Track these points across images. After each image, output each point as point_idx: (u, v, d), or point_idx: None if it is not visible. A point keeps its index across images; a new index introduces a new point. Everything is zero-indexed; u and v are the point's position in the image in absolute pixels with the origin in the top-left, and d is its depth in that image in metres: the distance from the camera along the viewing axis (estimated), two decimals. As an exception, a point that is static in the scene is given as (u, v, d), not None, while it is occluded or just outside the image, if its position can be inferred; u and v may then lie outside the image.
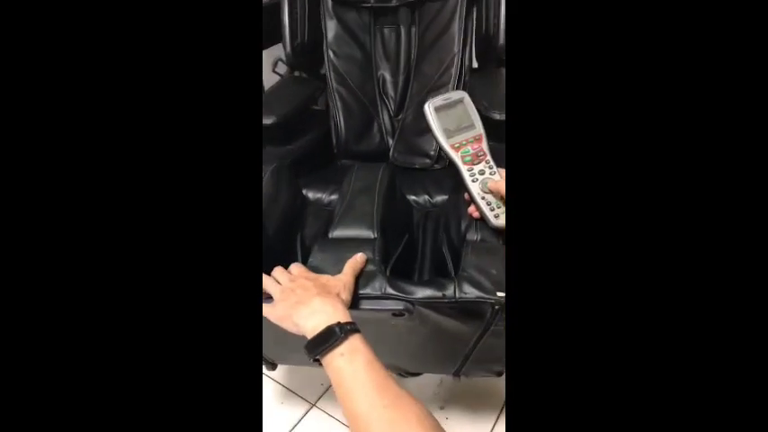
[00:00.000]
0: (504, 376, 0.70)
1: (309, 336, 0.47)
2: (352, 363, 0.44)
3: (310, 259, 0.61)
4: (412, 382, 0.95)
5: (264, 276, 0.55)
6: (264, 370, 1.01)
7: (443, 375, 0.96)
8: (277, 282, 0.54)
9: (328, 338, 0.45)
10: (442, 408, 0.94)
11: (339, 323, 0.46)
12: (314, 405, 0.97)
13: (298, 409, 0.97)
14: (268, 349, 0.73)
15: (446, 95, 0.67)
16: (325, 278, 0.54)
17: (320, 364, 0.47)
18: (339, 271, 0.57)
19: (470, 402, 0.95)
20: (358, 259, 0.58)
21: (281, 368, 1.04)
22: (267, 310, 0.53)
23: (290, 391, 1.00)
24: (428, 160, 1.14)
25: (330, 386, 0.99)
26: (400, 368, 0.76)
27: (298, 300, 0.50)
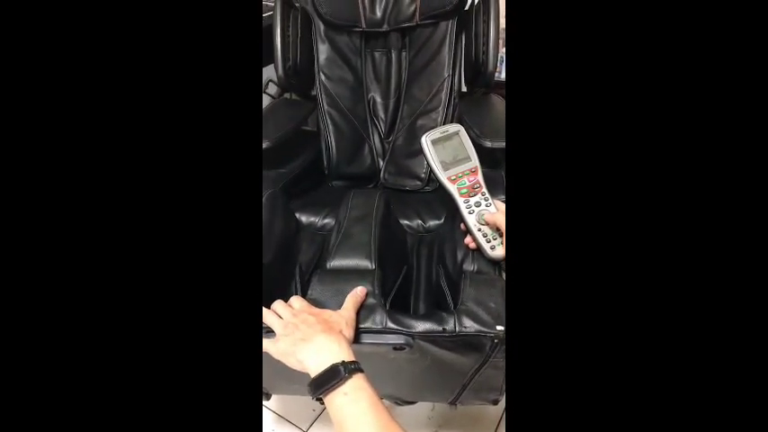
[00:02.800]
0: (498, 404, 0.70)
1: (313, 374, 0.47)
2: (356, 403, 0.44)
3: (309, 291, 0.61)
4: (405, 408, 0.95)
5: (265, 310, 0.55)
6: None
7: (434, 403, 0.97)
8: (278, 316, 0.54)
9: (332, 378, 0.46)
10: (435, 432, 0.94)
11: (343, 362, 0.46)
12: None
13: (290, 435, 0.96)
14: (265, 380, 0.73)
15: (443, 128, 0.69)
16: (327, 313, 0.54)
17: (322, 402, 0.47)
18: (339, 303, 0.57)
19: (464, 427, 0.95)
20: (359, 293, 0.58)
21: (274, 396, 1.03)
22: (269, 345, 0.52)
23: (282, 417, 0.99)
24: (419, 182, 1.15)
25: (322, 412, 0.99)
26: (397, 397, 0.76)
27: (302, 336, 0.50)
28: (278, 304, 0.56)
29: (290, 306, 0.55)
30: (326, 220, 0.95)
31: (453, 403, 0.71)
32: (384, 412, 0.44)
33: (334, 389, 0.45)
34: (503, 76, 1.55)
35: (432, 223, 0.93)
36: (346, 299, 0.57)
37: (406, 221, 0.94)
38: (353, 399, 0.44)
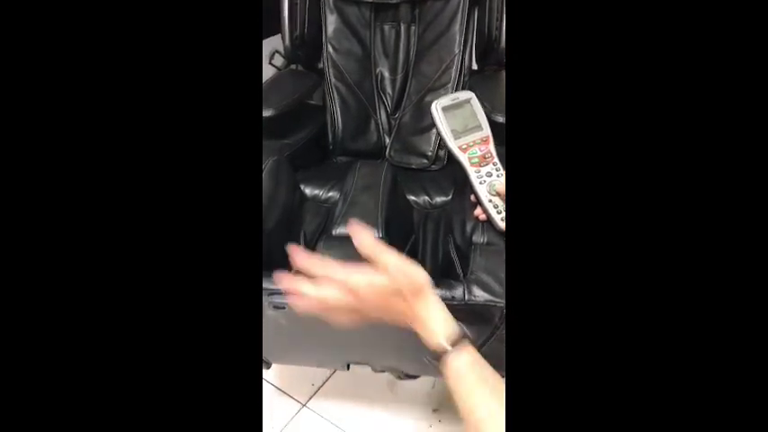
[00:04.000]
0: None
1: (438, 336, 0.43)
2: (485, 365, 0.43)
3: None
4: (406, 383, 0.95)
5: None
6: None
7: (438, 378, 0.96)
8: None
9: (463, 338, 0.43)
10: (435, 410, 0.93)
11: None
12: (304, 405, 0.95)
13: (288, 408, 0.95)
14: (264, 347, 0.72)
15: (454, 95, 0.67)
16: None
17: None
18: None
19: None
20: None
21: (272, 368, 1.02)
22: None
23: (281, 391, 0.98)
24: (425, 160, 1.13)
25: (321, 386, 0.98)
26: (399, 370, 0.75)
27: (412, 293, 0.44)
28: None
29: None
30: (331, 193, 0.93)
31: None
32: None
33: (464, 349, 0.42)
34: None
35: (439, 199, 0.91)
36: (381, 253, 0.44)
37: (412, 197, 0.92)
38: (479, 360, 0.42)
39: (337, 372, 1.01)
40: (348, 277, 0.42)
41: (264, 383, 1.00)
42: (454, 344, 0.42)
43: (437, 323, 0.43)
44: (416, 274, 0.44)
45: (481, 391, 0.41)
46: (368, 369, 1.00)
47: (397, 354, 0.70)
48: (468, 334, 0.44)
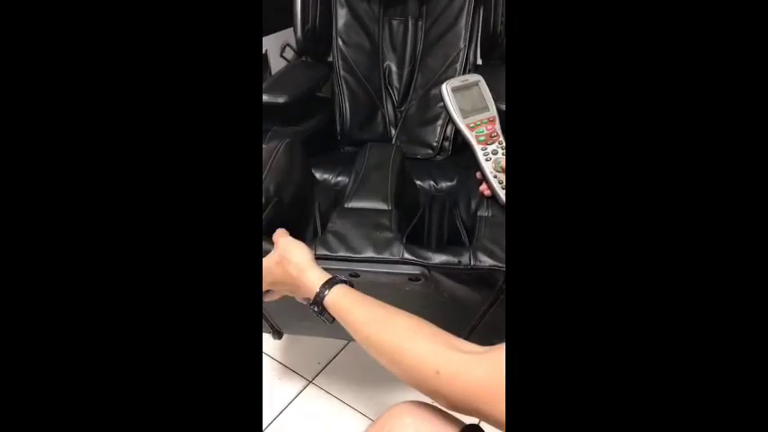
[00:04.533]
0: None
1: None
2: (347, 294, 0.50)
3: (330, 225, 0.63)
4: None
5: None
6: (266, 344, 1.03)
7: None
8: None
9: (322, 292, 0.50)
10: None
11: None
12: (311, 382, 0.98)
13: (295, 385, 0.98)
14: (277, 318, 0.75)
15: (463, 77, 0.70)
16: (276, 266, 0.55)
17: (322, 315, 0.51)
18: (359, 235, 0.59)
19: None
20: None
21: (278, 346, 1.05)
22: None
23: (288, 368, 1.01)
24: (430, 151, 1.17)
25: (327, 365, 1.01)
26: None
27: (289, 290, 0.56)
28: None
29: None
30: (340, 178, 0.97)
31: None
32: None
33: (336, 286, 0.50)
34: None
35: (444, 184, 0.95)
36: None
37: (418, 182, 0.96)
38: (352, 291, 0.50)
39: (342, 351, 1.04)
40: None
41: (272, 361, 1.03)
42: (325, 285, 0.50)
43: (312, 280, 0.51)
44: (294, 246, 0.55)
45: (359, 309, 0.48)
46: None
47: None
48: (343, 278, 0.52)
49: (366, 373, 0.99)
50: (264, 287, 0.58)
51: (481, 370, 0.38)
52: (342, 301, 0.49)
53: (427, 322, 0.46)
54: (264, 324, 0.75)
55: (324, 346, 1.04)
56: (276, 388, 0.97)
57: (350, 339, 0.80)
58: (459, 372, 0.40)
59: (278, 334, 0.78)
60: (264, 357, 1.03)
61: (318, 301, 0.50)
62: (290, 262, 0.53)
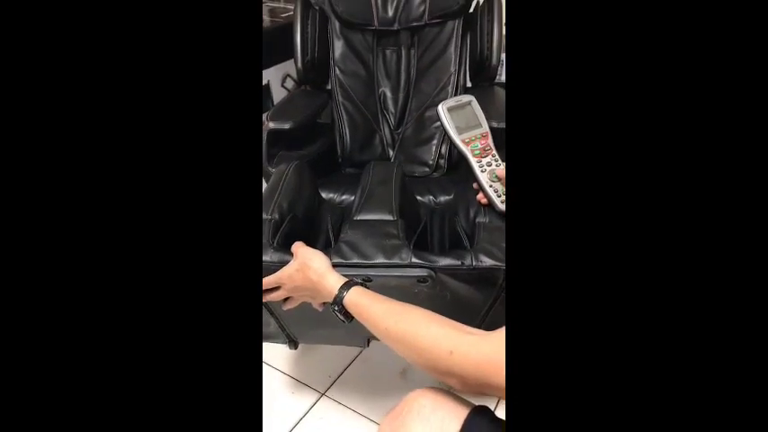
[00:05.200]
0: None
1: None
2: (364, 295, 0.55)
3: (342, 235, 0.68)
4: (416, 371, 1.01)
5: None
6: (277, 358, 1.06)
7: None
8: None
9: (341, 292, 0.57)
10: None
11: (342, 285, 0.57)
12: (323, 394, 1.01)
13: (308, 398, 1.01)
14: (293, 327, 0.79)
15: (457, 98, 0.77)
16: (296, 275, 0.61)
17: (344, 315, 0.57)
18: (370, 244, 0.65)
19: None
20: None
21: (289, 360, 1.09)
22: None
23: (300, 381, 1.04)
24: (427, 169, 1.24)
25: (338, 377, 1.05)
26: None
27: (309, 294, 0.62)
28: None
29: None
30: (345, 196, 1.03)
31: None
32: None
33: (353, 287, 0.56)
34: (503, 78, 1.65)
35: (442, 198, 1.01)
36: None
37: (418, 197, 1.02)
38: (368, 291, 0.56)
39: (352, 363, 1.07)
40: (278, 275, 0.62)
41: (283, 375, 1.06)
42: (343, 287, 0.56)
43: (332, 283, 0.57)
44: (313, 254, 0.60)
45: (376, 306, 0.53)
46: (380, 359, 1.07)
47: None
48: (358, 281, 0.58)
49: (377, 382, 1.03)
50: (285, 294, 0.63)
51: (489, 346, 0.43)
52: (360, 299, 0.54)
53: (436, 314, 0.51)
54: (281, 334, 0.80)
55: (334, 358, 1.08)
56: (289, 402, 1.00)
57: (362, 347, 0.85)
58: (470, 350, 0.45)
59: (293, 344, 0.82)
60: (276, 372, 1.06)
61: (338, 301, 0.55)
62: (309, 268, 0.58)
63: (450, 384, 0.48)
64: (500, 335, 0.43)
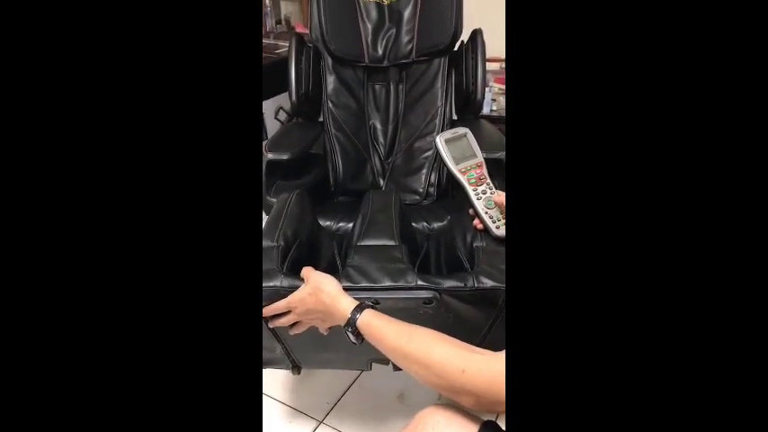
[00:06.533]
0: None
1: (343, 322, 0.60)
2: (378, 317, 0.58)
3: (348, 260, 0.71)
4: (413, 395, 1.03)
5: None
6: (275, 388, 1.06)
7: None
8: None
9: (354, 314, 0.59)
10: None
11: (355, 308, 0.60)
12: (321, 422, 1.02)
13: (306, 427, 1.01)
14: (297, 352, 0.80)
15: (453, 130, 0.83)
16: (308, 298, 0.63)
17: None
18: (375, 267, 0.68)
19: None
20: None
21: (286, 389, 1.09)
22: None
23: (297, 410, 1.04)
24: (417, 197, 1.29)
25: (335, 404, 1.05)
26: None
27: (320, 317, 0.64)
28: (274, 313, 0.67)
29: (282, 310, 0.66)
30: (341, 224, 1.06)
31: (467, 369, 0.80)
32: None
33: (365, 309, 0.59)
34: (486, 110, 1.75)
35: (436, 225, 1.05)
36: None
37: (413, 224, 1.06)
38: (380, 314, 0.58)
39: (350, 389, 1.08)
40: (289, 299, 0.64)
41: (281, 405, 1.06)
42: (356, 309, 0.58)
43: (345, 306, 0.60)
44: (325, 278, 0.63)
45: (388, 327, 0.56)
46: (378, 384, 1.08)
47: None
48: (369, 304, 0.61)
49: (375, 407, 1.04)
50: (294, 319, 0.65)
51: (500, 364, 0.47)
52: (372, 321, 0.57)
53: (445, 335, 0.54)
54: (286, 360, 0.81)
55: (332, 385, 1.09)
56: (288, 431, 1.00)
57: (365, 369, 0.86)
58: (482, 368, 0.48)
59: (297, 369, 0.83)
60: (274, 402, 1.06)
61: (352, 323, 0.57)
62: (323, 291, 0.61)
63: (462, 403, 0.50)
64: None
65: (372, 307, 0.59)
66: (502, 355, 0.47)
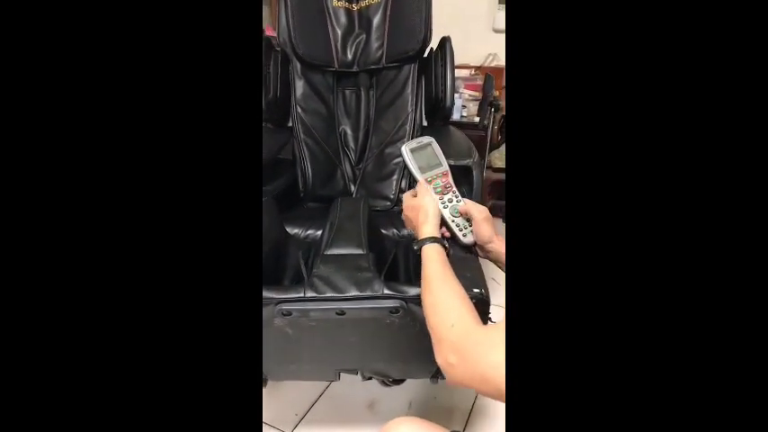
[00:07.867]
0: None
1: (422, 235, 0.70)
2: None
3: (314, 270, 0.70)
4: (383, 404, 1.02)
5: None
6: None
7: (413, 399, 1.05)
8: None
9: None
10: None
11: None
12: (290, 434, 1.00)
13: (274, 439, 0.99)
14: (265, 364, 0.79)
15: (418, 140, 0.83)
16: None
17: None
18: (342, 277, 0.67)
19: (438, 418, 1.03)
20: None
21: (254, 401, 1.06)
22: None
23: (266, 423, 1.02)
24: (388, 203, 1.28)
25: (304, 416, 1.03)
26: (386, 375, 0.84)
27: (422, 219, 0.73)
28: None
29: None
30: (310, 231, 1.05)
31: (435, 377, 0.80)
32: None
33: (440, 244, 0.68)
34: (457, 116, 1.77)
35: (405, 231, 1.05)
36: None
37: (383, 230, 1.05)
38: (445, 257, 0.66)
39: (319, 399, 1.07)
40: (404, 203, 0.79)
41: (249, 417, 1.03)
42: (431, 239, 0.68)
43: (427, 230, 0.70)
44: (425, 201, 0.75)
45: (435, 265, 0.64)
46: (347, 394, 1.07)
47: (388, 357, 0.79)
48: (449, 248, 0.70)
49: (345, 417, 1.03)
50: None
51: (496, 333, 0.48)
52: (431, 254, 0.65)
53: (468, 299, 0.59)
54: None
55: (300, 396, 1.07)
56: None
57: (332, 378, 0.85)
58: (468, 329, 0.53)
59: (264, 381, 0.82)
60: (241, 414, 1.04)
61: (420, 245, 0.68)
62: (422, 208, 0.73)
63: (449, 361, 0.51)
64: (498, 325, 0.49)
65: (444, 245, 0.68)
66: (500, 329, 0.47)
